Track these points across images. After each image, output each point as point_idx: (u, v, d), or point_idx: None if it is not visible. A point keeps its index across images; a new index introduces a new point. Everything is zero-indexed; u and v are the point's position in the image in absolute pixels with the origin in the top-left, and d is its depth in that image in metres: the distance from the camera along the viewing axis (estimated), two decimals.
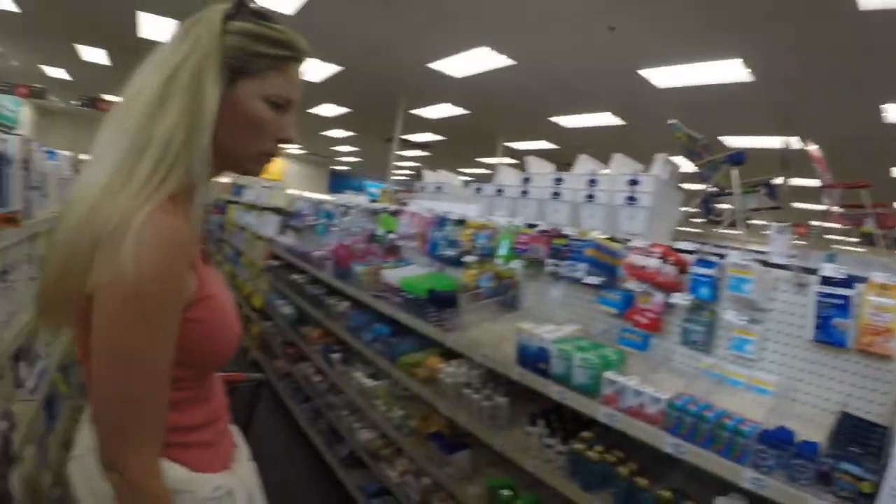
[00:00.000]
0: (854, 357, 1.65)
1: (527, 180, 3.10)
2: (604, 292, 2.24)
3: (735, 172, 3.03)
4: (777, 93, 6.83)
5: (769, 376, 1.80)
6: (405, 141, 13.47)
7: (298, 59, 1.04)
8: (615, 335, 2.17)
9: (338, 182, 25.35)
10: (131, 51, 8.92)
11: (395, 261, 3.53)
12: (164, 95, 0.92)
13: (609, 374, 1.78)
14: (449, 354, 2.64)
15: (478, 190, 3.50)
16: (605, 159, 2.89)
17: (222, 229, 8.66)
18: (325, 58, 8.72)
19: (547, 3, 5.60)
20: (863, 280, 1.62)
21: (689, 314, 2.00)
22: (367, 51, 8.07)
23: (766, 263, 1.83)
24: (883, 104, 6.51)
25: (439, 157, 17.51)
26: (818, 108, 7.19)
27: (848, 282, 1.63)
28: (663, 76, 7.09)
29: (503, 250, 2.61)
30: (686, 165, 3.02)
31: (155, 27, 8.00)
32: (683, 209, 3.00)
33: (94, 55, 10.45)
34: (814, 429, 1.52)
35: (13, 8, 8.11)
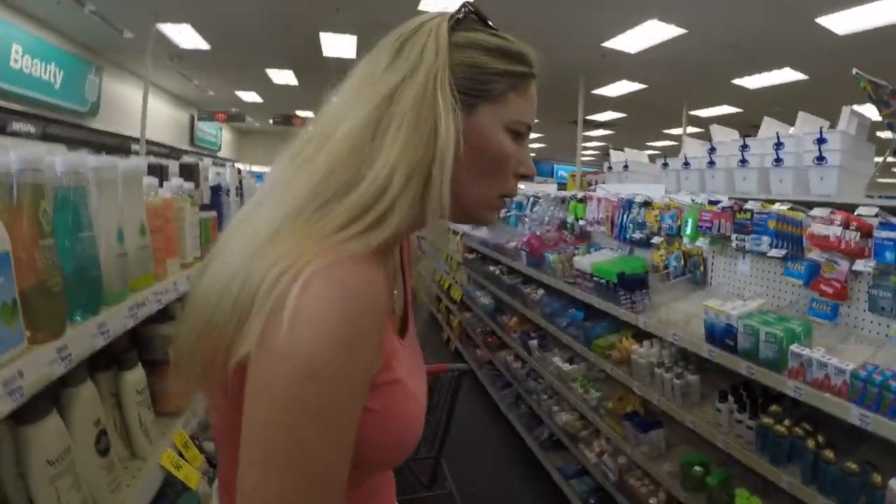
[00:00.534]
0: None
1: (712, 150, 3.17)
2: (789, 263, 2.29)
3: None
4: None
5: None
6: (588, 122, 13.68)
7: (534, 76, 0.87)
8: (804, 306, 2.24)
9: None
10: (317, 69, 10.65)
11: (585, 247, 3.80)
12: (378, 124, 0.75)
13: (794, 347, 1.88)
14: (641, 335, 2.87)
15: (665, 165, 3.63)
16: (792, 118, 2.88)
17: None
18: None
19: None
20: None
21: (876, 280, 2.00)
22: (540, 38, 8.27)
23: None
24: None
25: (626, 133, 17.50)
26: None
27: None
28: (843, 21, 6.80)
29: (689, 229, 2.76)
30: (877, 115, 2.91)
31: (337, 45, 9.36)
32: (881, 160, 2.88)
33: (283, 77, 12.48)
34: None
35: (204, 46, 10.06)
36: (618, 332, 3.15)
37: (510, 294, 4.64)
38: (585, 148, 21.45)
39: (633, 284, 2.79)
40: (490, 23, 0.84)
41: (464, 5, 0.83)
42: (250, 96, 15.34)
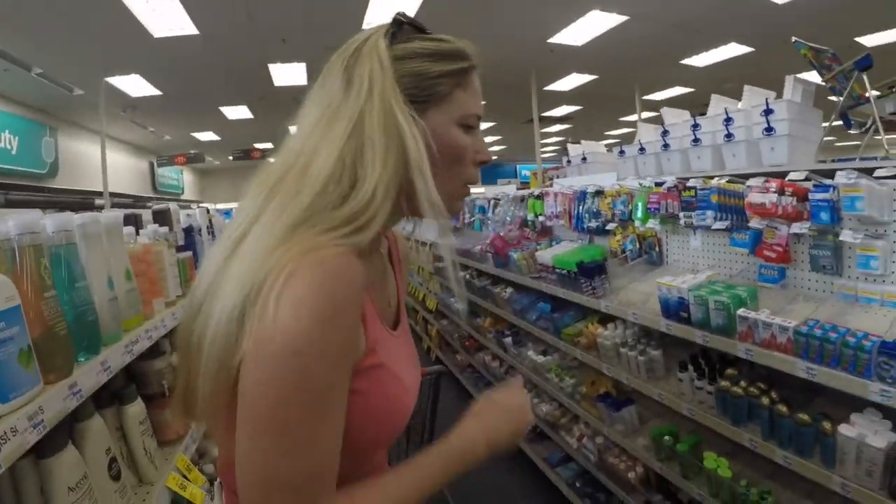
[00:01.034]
0: None
1: (665, 133, 3.27)
2: (734, 234, 2.44)
3: (864, 77, 2.96)
4: None
5: None
6: (544, 118, 13.91)
7: (475, 67, 0.93)
8: (753, 273, 2.41)
9: (490, 172, 26.11)
10: (271, 100, 10.89)
11: (547, 241, 3.96)
12: (353, 153, 0.81)
13: (741, 312, 2.03)
14: (606, 319, 3.03)
15: (621, 153, 3.77)
16: (741, 93, 2.97)
17: None
18: None
19: None
20: None
21: (815, 241, 2.15)
22: (486, 42, 8.52)
23: (873, 176, 1.95)
24: None
25: (584, 125, 17.75)
26: None
27: None
28: None
29: (639, 212, 2.92)
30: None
31: (287, 74, 9.49)
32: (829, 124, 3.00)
33: (237, 112, 12.57)
34: None
35: (156, 92, 10.13)
36: (584, 319, 3.31)
37: (481, 296, 4.78)
38: (545, 144, 21.77)
39: (591, 272, 2.94)
40: (423, 28, 0.91)
41: (395, 17, 0.89)
42: (207, 136, 15.36)
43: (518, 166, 26.38)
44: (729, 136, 2.82)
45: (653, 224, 2.89)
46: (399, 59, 0.85)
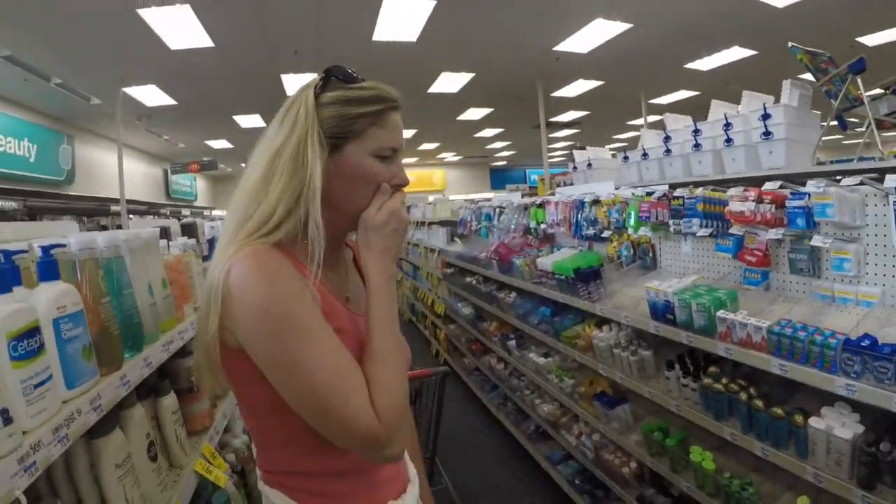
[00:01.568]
0: None
1: (667, 139, 3.39)
2: (719, 240, 2.60)
3: (858, 80, 3.03)
4: None
5: (874, 289, 2.04)
6: (552, 124, 14.07)
7: (394, 108, 1.11)
8: (739, 277, 2.56)
9: (499, 177, 26.41)
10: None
11: (549, 248, 4.13)
12: (270, 173, 1.03)
13: (720, 313, 2.17)
14: (601, 322, 3.20)
15: (625, 158, 3.92)
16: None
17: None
18: (456, 69, 9.97)
19: None
20: None
21: (793, 245, 2.30)
22: (492, 52, 9.00)
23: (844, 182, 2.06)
24: None
25: (592, 129, 17.90)
26: None
27: None
28: None
29: (632, 220, 3.07)
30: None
31: (300, 85, 9.49)
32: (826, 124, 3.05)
33: (250, 121, 12.85)
34: None
35: (171, 102, 10.44)
36: (582, 322, 3.47)
37: (487, 301, 4.98)
38: (554, 149, 21.96)
39: (588, 277, 3.09)
40: (351, 78, 1.10)
41: (325, 71, 1.10)
42: (220, 143, 15.71)
43: (528, 171, 26.67)
44: (728, 140, 2.89)
45: (643, 231, 3.04)
46: (323, 106, 1.06)
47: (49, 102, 9.86)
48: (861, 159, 3.19)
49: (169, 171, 16.86)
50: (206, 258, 2.33)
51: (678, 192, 2.77)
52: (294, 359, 0.92)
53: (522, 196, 5.60)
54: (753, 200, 2.34)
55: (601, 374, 3.12)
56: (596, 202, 3.54)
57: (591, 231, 3.57)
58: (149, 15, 6.28)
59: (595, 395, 3.22)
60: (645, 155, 3.65)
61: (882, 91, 3.77)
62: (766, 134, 2.67)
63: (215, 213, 19.57)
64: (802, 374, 1.85)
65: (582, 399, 3.39)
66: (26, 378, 0.94)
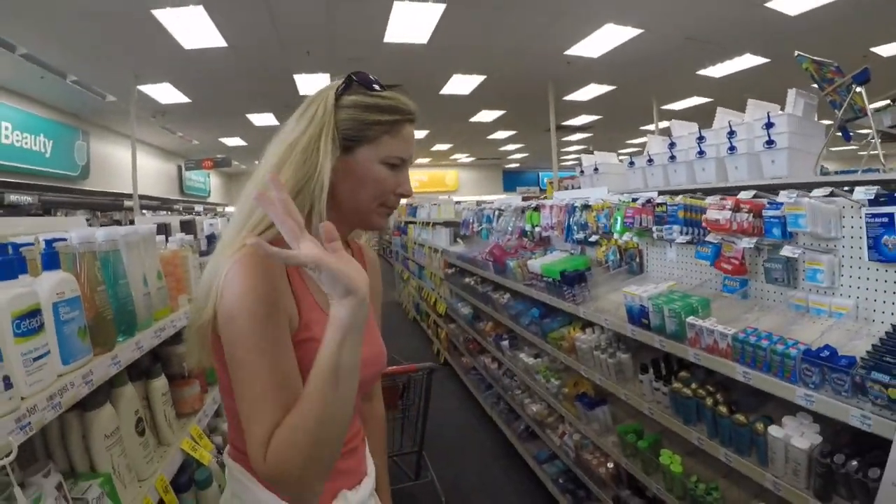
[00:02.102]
0: None
1: (672, 145, 3.41)
2: (699, 247, 2.67)
3: (863, 91, 3.01)
4: None
5: (847, 301, 2.08)
6: (563, 127, 14.19)
7: (409, 120, 1.17)
8: (718, 284, 2.64)
9: (512, 179, 26.54)
10: (296, 107, 11.08)
11: (542, 251, 4.26)
12: (281, 163, 1.08)
13: (690, 319, 2.26)
14: (587, 324, 3.31)
15: (631, 164, 3.92)
16: (764, 101, 2.99)
17: (405, 248, 10.09)
18: (467, 71, 10.14)
19: None
20: None
21: (770, 254, 2.35)
22: (504, 54, 9.15)
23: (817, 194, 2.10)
24: None
25: (604, 133, 17.97)
26: None
27: (892, 200, 1.84)
28: (793, 3, 7.08)
29: (618, 225, 3.16)
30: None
31: (312, 84, 9.99)
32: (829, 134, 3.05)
33: (264, 119, 13.12)
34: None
35: (185, 99, 10.71)
36: (569, 324, 3.59)
37: (484, 301, 5.11)
38: (567, 153, 22.09)
39: (573, 280, 3.21)
40: (372, 85, 1.15)
41: (348, 76, 1.15)
42: (234, 141, 15.96)
43: (540, 174, 26.78)
44: (732, 148, 2.90)
45: (628, 237, 3.14)
46: (342, 108, 1.12)
47: (65, 99, 10.14)
48: (868, 171, 3.21)
49: (183, 168, 17.16)
50: (203, 253, 2.49)
51: (660, 200, 2.86)
52: (240, 365, 0.96)
53: (523, 199, 5.73)
54: (730, 209, 2.38)
55: (584, 376, 3.24)
56: (587, 207, 3.65)
57: (581, 235, 3.67)
58: (163, 15, 6.49)
59: (577, 395, 3.34)
60: (650, 161, 3.67)
61: (888, 102, 3.77)
62: (769, 142, 2.68)
63: (228, 209, 19.80)
64: (764, 382, 1.90)
65: (566, 399, 3.51)
66: (27, 352, 1.09)
